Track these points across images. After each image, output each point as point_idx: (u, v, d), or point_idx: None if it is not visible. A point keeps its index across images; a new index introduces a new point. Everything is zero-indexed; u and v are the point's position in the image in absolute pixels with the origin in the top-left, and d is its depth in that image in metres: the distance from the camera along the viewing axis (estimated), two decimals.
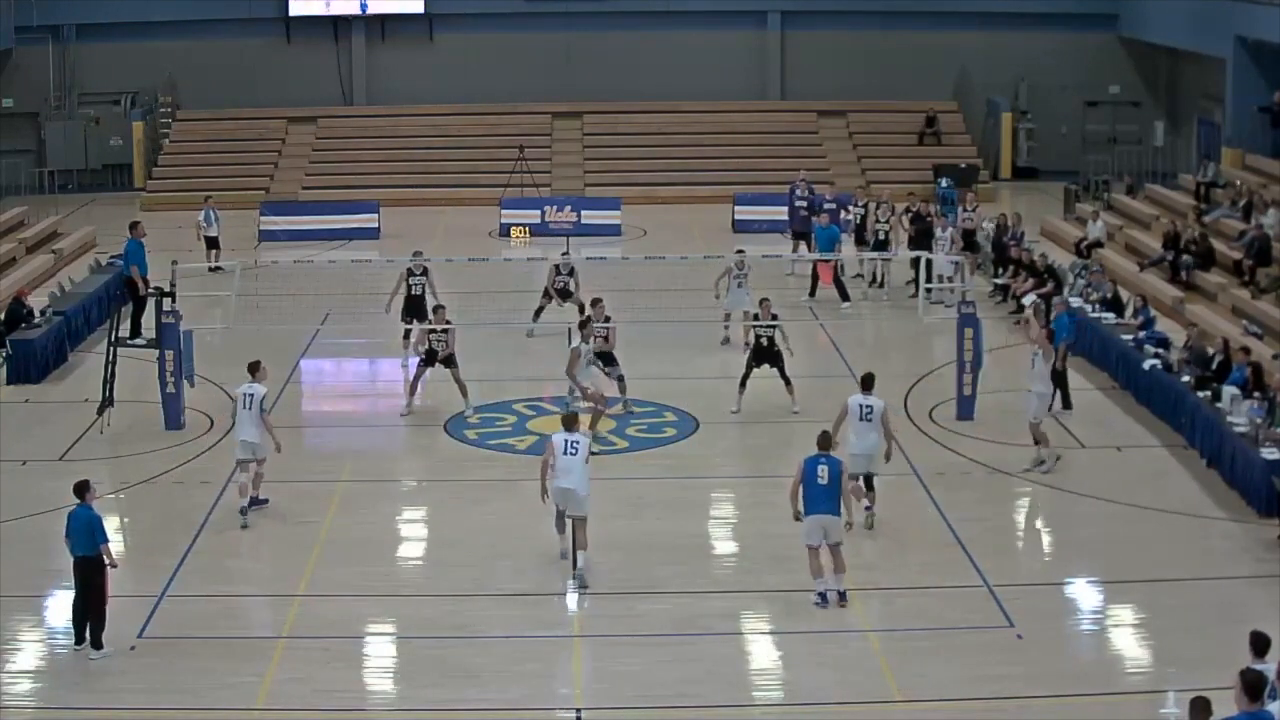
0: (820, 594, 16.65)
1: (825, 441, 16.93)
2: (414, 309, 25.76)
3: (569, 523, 17.68)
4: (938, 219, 31.51)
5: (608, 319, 23.62)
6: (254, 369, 19.84)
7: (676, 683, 15.02)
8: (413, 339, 24.90)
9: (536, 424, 23.14)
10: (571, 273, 27.69)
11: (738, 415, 23.28)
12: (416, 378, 23.58)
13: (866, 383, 19.02)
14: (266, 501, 19.69)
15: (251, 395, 19.51)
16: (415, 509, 20.66)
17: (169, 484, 20.75)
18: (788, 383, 23.21)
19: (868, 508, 18.89)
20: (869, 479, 18.87)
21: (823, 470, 16.61)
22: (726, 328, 27.13)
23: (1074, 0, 44.43)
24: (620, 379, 23.54)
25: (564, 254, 28.98)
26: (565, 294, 27.59)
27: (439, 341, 23.45)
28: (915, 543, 18.80)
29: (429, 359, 23.44)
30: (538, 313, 27.62)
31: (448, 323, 23.70)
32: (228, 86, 44.99)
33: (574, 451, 17.54)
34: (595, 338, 22.92)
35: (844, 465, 16.96)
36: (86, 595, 15.60)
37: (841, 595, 16.67)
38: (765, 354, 23.50)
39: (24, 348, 25.72)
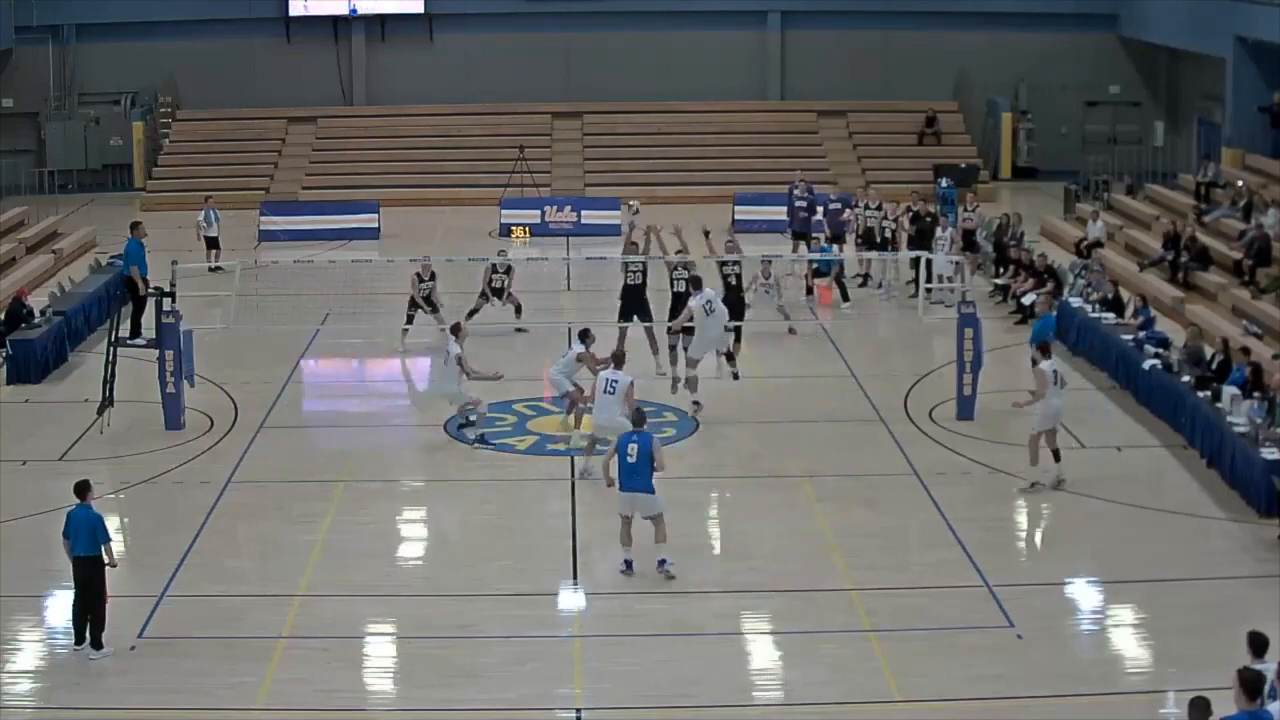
0: (626, 562, 17.39)
1: (639, 419, 17.85)
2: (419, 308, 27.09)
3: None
4: (940, 219, 31.48)
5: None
6: (456, 330, 22.47)
7: (676, 683, 15.02)
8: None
9: (537, 424, 23.14)
10: (508, 271, 28.13)
11: (736, 415, 23.24)
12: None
13: (696, 283, 22.95)
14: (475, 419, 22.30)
15: (448, 352, 21.94)
16: (415, 509, 20.66)
17: (169, 484, 20.73)
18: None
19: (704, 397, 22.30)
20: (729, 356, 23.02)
21: (632, 448, 17.37)
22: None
23: (1074, 0, 44.43)
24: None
25: (500, 252, 29.37)
26: (499, 293, 27.96)
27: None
28: (915, 543, 18.83)
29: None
30: (472, 313, 27.58)
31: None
32: (228, 86, 44.99)
33: (612, 390, 19.87)
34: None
35: (655, 442, 17.54)
36: (86, 595, 15.60)
37: (661, 563, 17.29)
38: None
39: (24, 348, 25.71)
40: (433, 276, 27.26)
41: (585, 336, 22.59)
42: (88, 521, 15.62)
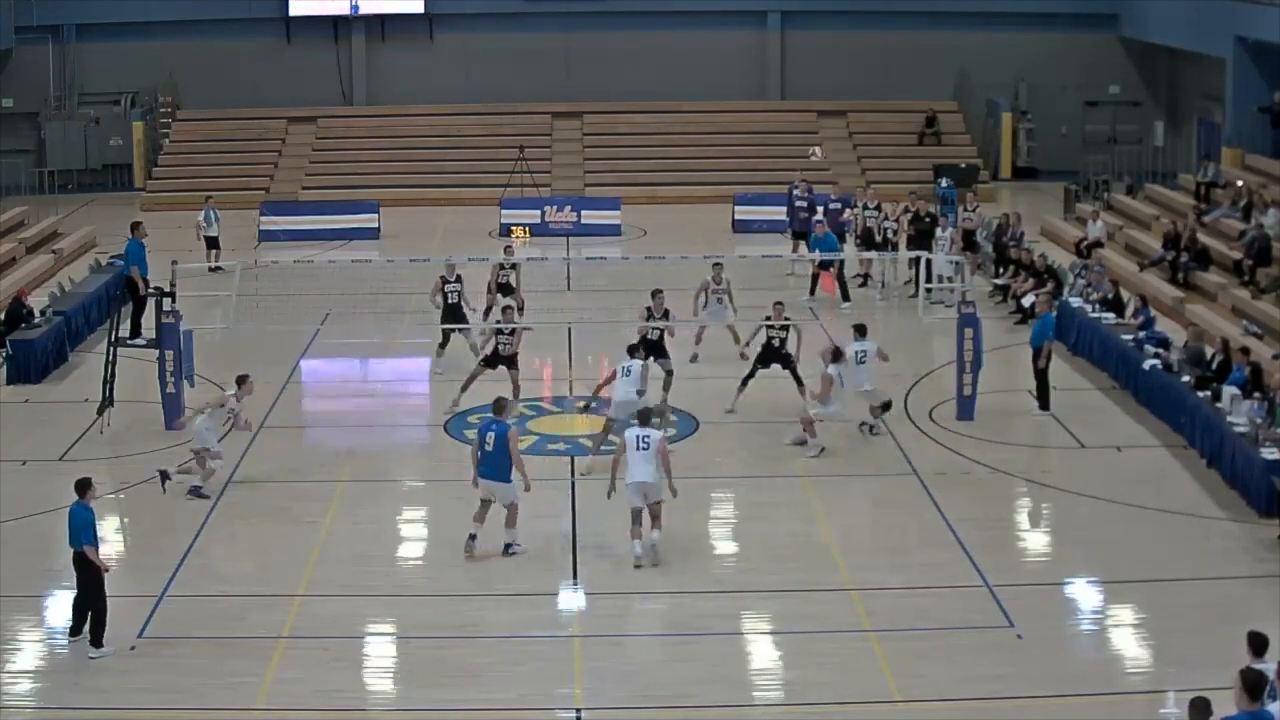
0: (471, 535, 18.00)
1: (498, 407, 18.36)
2: (452, 315, 25.84)
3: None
4: (940, 219, 31.44)
5: (666, 312, 23.90)
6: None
7: (676, 683, 15.03)
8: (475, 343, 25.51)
9: (537, 424, 23.13)
10: (514, 267, 28.08)
11: (736, 415, 23.26)
12: (473, 377, 23.51)
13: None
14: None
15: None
16: (415, 509, 20.64)
17: (169, 484, 20.71)
18: (800, 384, 23.17)
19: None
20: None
21: (490, 437, 17.89)
22: (698, 343, 26.36)
23: (1074, 0, 44.45)
24: (669, 374, 23.70)
25: (507, 248, 29.44)
26: (506, 289, 27.82)
27: (504, 343, 23.54)
28: (915, 543, 18.83)
29: (491, 360, 23.51)
30: (487, 311, 27.49)
31: (513, 322, 24.30)
32: (228, 86, 45.01)
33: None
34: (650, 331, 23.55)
35: (511, 432, 17.94)
36: (83, 591, 15.61)
37: (507, 547, 18.02)
38: (775, 355, 23.50)
39: (24, 348, 25.72)
40: (459, 279, 25.94)
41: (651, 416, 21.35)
42: (80, 520, 15.62)
